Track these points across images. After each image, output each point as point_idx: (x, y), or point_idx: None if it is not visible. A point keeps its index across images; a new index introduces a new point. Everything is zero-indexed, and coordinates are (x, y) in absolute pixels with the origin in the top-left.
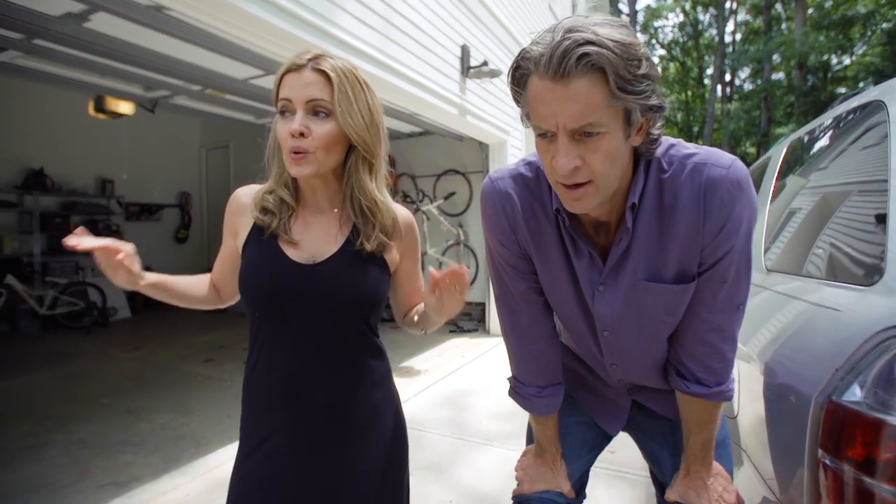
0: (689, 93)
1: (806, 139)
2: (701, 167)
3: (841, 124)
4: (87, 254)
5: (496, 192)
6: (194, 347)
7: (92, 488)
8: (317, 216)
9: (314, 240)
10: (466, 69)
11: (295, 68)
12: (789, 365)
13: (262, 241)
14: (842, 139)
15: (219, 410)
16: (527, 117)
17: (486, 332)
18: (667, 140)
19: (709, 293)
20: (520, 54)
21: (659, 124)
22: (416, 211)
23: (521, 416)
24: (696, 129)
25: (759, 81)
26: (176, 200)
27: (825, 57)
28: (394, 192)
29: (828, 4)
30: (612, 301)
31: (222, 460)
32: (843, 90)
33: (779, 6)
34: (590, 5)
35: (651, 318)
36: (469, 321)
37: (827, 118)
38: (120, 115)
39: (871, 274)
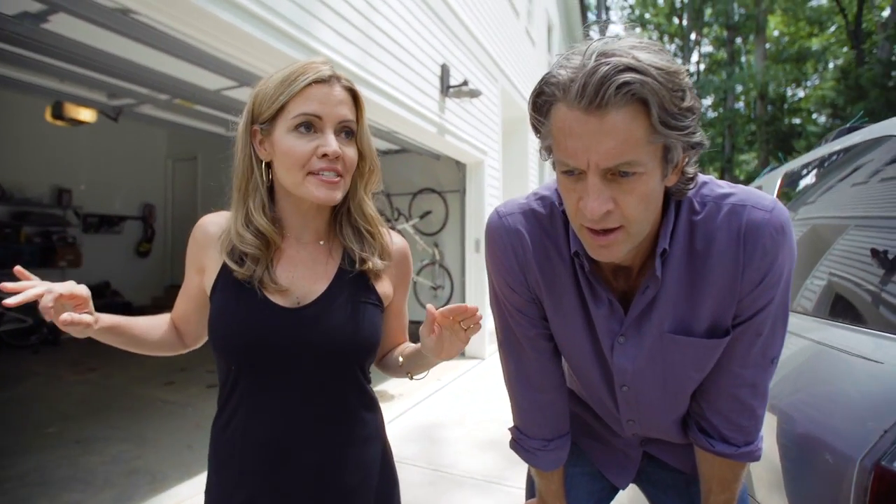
0: None
1: (808, 170)
2: (740, 209)
3: (853, 157)
4: (38, 266)
5: (505, 229)
6: (154, 369)
7: None
8: (301, 250)
9: (302, 277)
10: (446, 88)
11: (323, 80)
12: (815, 415)
13: (236, 282)
14: (858, 171)
15: (178, 440)
16: (547, 150)
17: (462, 355)
18: (699, 177)
19: (742, 347)
20: (543, 79)
21: (694, 160)
22: (391, 229)
23: (502, 446)
24: None
25: (720, 110)
26: (138, 212)
27: (782, 89)
28: None
29: (784, 40)
30: (633, 354)
31: (181, 498)
32: (798, 121)
33: (738, 40)
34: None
35: (677, 373)
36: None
37: (827, 150)
38: (80, 123)
39: None
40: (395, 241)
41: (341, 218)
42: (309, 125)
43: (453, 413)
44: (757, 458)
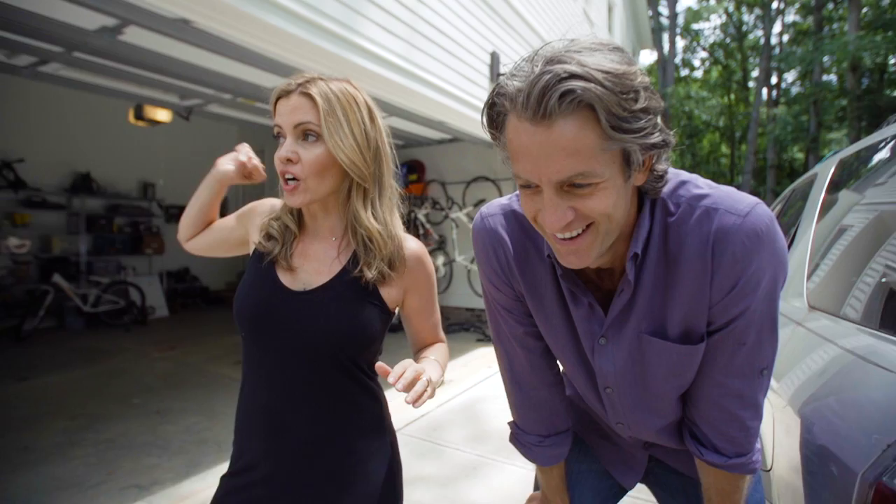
0: (733, 96)
1: (863, 157)
2: (711, 213)
3: None
4: (128, 253)
5: (486, 230)
6: (226, 348)
7: (116, 490)
8: (315, 244)
9: (310, 268)
10: (496, 76)
11: (284, 94)
12: (832, 423)
13: (261, 263)
14: None
15: None
16: (508, 161)
17: None
18: (678, 176)
19: (723, 355)
20: (495, 89)
21: (665, 157)
22: (445, 218)
23: None
24: (738, 133)
25: (807, 84)
26: None
27: (881, 59)
28: (422, 200)
29: (884, 2)
30: (613, 355)
31: None
32: None
33: (830, 5)
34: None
35: (656, 377)
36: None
37: (887, 134)
38: (158, 123)
39: None
40: (409, 246)
41: (351, 223)
42: (278, 135)
43: (504, 399)
44: (752, 472)
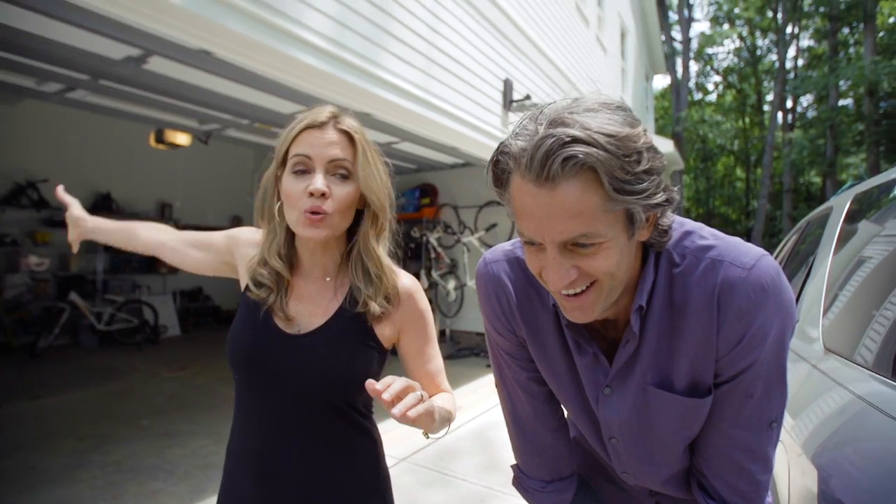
0: (747, 120)
1: (880, 191)
2: (717, 265)
3: None
4: (143, 272)
5: (489, 277)
6: None
7: None
8: (308, 284)
9: (304, 310)
10: (509, 102)
11: (317, 125)
12: (851, 477)
13: (254, 304)
14: None
15: None
16: (513, 216)
17: None
18: (682, 226)
19: (730, 408)
20: (499, 147)
21: (670, 212)
22: (456, 242)
23: None
24: (753, 157)
25: (823, 108)
26: (229, 224)
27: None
28: (434, 223)
29: None
30: (618, 406)
31: None
32: None
33: (845, 30)
34: (640, 38)
35: (663, 429)
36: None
37: None
38: (178, 146)
39: None
40: (403, 282)
41: (353, 256)
42: (302, 166)
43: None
44: None
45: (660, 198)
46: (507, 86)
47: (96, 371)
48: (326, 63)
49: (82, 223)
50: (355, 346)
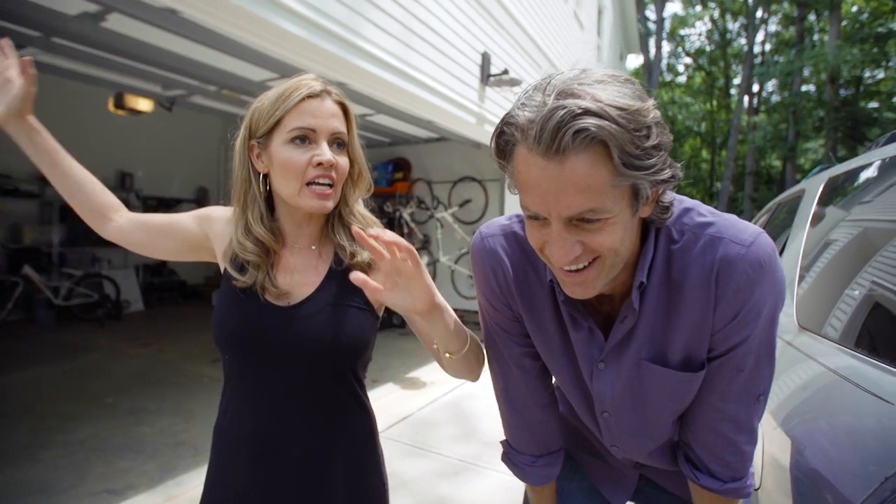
0: (715, 102)
1: (851, 176)
2: (716, 241)
3: None
4: (103, 245)
5: (486, 251)
6: (203, 346)
7: (86, 495)
8: (295, 254)
9: (290, 280)
10: (486, 77)
11: (315, 95)
12: (825, 449)
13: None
14: None
15: None
16: (513, 189)
17: None
18: (681, 203)
19: (721, 381)
20: (504, 118)
21: (671, 189)
22: (429, 217)
23: None
24: (719, 139)
25: (786, 94)
26: (193, 195)
27: (859, 71)
28: (408, 198)
29: (863, 17)
30: (612, 381)
31: None
32: (875, 104)
33: (812, 16)
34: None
35: (655, 402)
36: (476, 330)
37: (879, 156)
38: (139, 112)
39: None
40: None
41: (334, 221)
42: (304, 138)
43: (487, 400)
44: (746, 496)
45: (666, 174)
46: (485, 59)
47: (55, 348)
48: (307, 31)
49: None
50: (347, 312)
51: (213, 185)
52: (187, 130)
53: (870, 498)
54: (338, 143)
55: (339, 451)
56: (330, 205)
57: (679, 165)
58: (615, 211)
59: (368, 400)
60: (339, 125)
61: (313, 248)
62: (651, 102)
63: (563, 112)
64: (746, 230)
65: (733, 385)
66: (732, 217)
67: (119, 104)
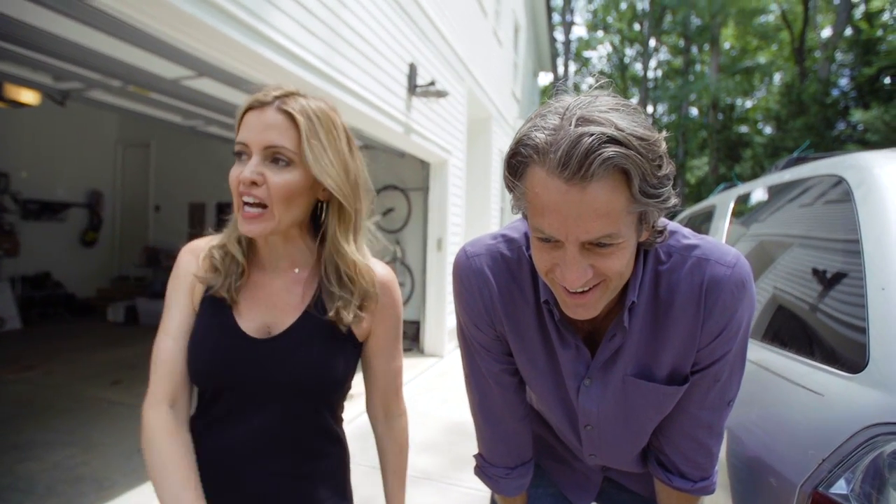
0: None
1: (760, 198)
2: (703, 263)
3: (802, 192)
4: None
5: (472, 270)
6: (99, 367)
7: None
8: (274, 278)
9: (269, 307)
10: (414, 87)
11: (257, 105)
12: (763, 439)
13: (213, 307)
14: (805, 197)
15: (127, 444)
16: (518, 207)
17: (421, 352)
18: (665, 225)
19: (700, 391)
20: (518, 139)
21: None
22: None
23: (458, 446)
24: None
25: (674, 116)
26: (85, 200)
27: (731, 100)
28: None
29: (733, 53)
30: (598, 397)
31: None
32: (745, 129)
33: (694, 49)
34: (530, 35)
35: (638, 415)
36: (403, 340)
37: (778, 180)
38: (22, 105)
39: (854, 360)
40: (380, 275)
41: (325, 252)
42: (240, 153)
43: (412, 412)
44: (711, 492)
45: (672, 202)
46: (413, 70)
47: None
48: (213, 16)
49: None
50: (329, 346)
51: (108, 188)
52: (80, 127)
53: (809, 479)
54: (274, 158)
55: (308, 486)
56: (257, 229)
57: (676, 192)
58: (626, 236)
59: (343, 433)
60: (275, 137)
61: (296, 271)
62: (662, 134)
63: (591, 139)
64: (729, 252)
65: (710, 394)
66: (713, 239)
67: None
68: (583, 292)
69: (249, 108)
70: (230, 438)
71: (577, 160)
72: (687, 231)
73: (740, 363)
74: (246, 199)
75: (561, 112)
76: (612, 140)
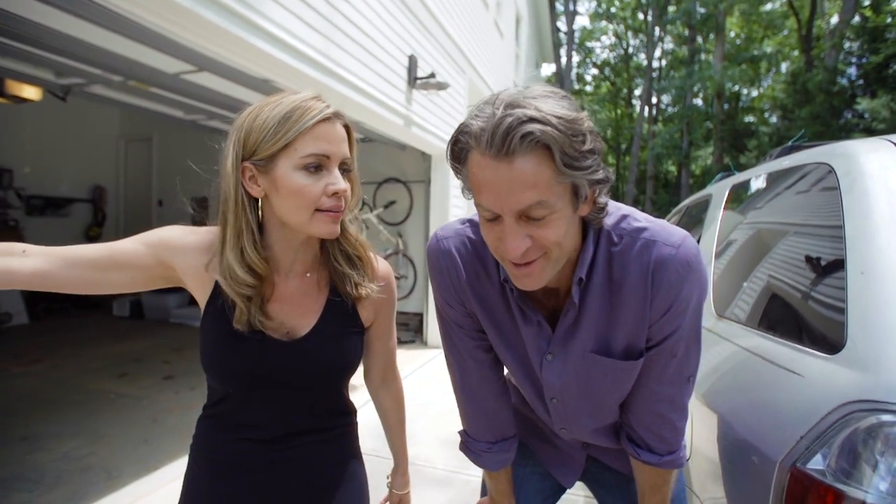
0: (619, 111)
1: (754, 186)
2: (651, 245)
3: (794, 180)
4: None
5: (440, 252)
6: (105, 360)
7: None
8: (290, 284)
9: (291, 311)
10: (413, 79)
11: (328, 119)
12: (748, 420)
13: (226, 310)
14: (797, 196)
15: (134, 435)
16: (468, 191)
17: (424, 344)
18: (618, 209)
19: (658, 366)
20: (459, 128)
21: (605, 192)
22: (354, 219)
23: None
24: (623, 146)
25: (680, 106)
26: (88, 195)
27: (737, 88)
28: None
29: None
30: (560, 370)
31: (137, 495)
32: (751, 119)
33: (699, 38)
34: (532, 27)
35: (599, 389)
36: (406, 331)
37: (772, 168)
38: (24, 100)
39: (833, 341)
40: (381, 263)
41: (331, 247)
42: (319, 165)
43: (414, 404)
44: (680, 466)
45: (600, 174)
46: (413, 62)
47: None
48: (211, 10)
49: None
50: (346, 339)
51: (111, 183)
52: (83, 122)
53: (788, 455)
54: (344, 168)
55: (329, 457)
56: (338, 230)
57: (611, 170)
58: (558, 206)
59: (352, 401)
60: (347, 151)
61: (308, 275)
62: (585, 114)
63: (510, 119)
64: (675, 233)
65: (668, 369)
66: (663, 222)
67: None
68: (527, 263)
69: (322, 121)
70: (259, 427)
71: (500, 137)
72: (641, 215)
73: (695, 340)
74: (335, 208)
75: (493, 101)
76: (532, 119)
